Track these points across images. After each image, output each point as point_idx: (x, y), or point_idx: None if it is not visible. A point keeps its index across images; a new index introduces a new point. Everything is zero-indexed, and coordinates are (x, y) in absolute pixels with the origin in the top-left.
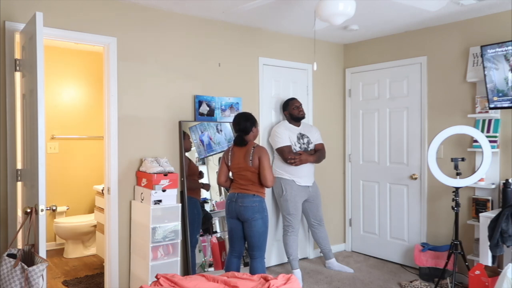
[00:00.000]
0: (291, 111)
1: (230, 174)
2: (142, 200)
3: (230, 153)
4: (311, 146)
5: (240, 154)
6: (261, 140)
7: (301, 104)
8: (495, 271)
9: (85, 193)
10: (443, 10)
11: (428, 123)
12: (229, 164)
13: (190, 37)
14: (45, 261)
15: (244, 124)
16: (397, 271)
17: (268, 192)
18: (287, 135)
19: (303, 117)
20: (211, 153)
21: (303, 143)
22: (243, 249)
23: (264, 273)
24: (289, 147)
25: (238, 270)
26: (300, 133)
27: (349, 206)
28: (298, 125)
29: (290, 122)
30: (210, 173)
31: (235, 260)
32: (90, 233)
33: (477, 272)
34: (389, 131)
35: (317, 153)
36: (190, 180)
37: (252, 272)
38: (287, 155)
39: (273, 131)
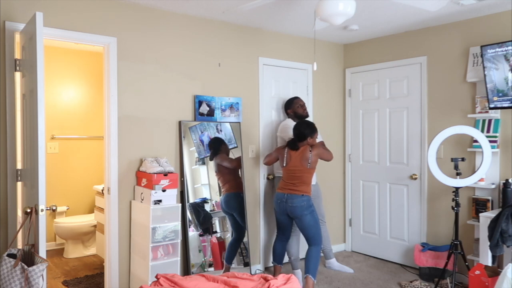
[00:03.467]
0: (296, 109)
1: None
2: (142, 200)
3: (286, 155)
4: None
5: (296, 157)
6: (261, 140)
7: (305, 103)
8: (495, 271)
9: (85, 193)
10: (443, 10)
11: (428, 123)
12: (284, 165)
13: (190, 37)
14: (45, 261)
15: (303, 131)
16: (397, 271)
17: (267, 192)
18: None
19: (307, 116)
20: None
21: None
22: (290, 234)
23: (316, 259)
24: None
25: (284, 253)
26: None
27: (349, 206)
28: None
29: (294, 121)
30: (210, 173)
31: (283, 244)
32: (90, 233)
33: (477, 272)
34: (389, 131)
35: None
36: (231, 176)
37: (306, 256)
38: None
39: (283, 124)
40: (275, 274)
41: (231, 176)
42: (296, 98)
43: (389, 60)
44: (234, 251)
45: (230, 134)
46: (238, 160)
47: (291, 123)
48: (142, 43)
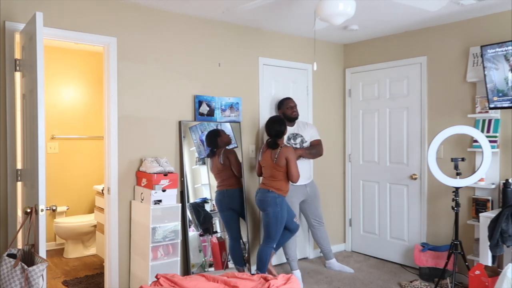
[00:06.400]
0: (285, 111)
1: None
2: (142, 200)
3: (261, 151)
4: (306, 145)
5: (267, 153)
6: (261, 140)
7: (296, 105)
8: (495, 271)
9: (85, 193)
10: (443, 10)
11: (428, 123)
12: (259, 159)
13: (190, 37)
14: (45, 261)
15: (279, 128)
16: (397, 271)
17: None
18: None
19: (296, 118)
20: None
21: (294, 144)
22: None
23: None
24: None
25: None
26: (293, 134)
27: (349, 206)
28: (292, 125)
29: None
30: (210, 173)
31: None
32: (90, 233)
33: (477, 272)
34: (389, 131)
35: (310, 148)
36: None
37: (258, 253)
38: None
39: None
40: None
41: (229, 173)
42: (287, 99)
43: (389, 60)
44: (240, 251)
45: (230, 134)
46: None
47: None
48: (142, 43)
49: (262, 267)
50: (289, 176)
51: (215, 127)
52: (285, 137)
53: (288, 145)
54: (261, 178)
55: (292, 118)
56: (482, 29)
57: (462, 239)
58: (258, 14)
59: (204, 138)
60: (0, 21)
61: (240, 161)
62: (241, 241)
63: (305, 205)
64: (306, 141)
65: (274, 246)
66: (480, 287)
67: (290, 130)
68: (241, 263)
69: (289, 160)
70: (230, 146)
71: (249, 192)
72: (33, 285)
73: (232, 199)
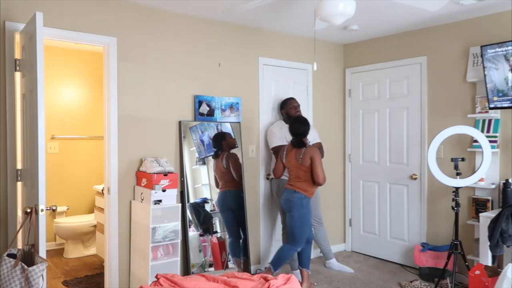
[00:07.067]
0: (288, 110)
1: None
2: (142, 200)
3: (284, 152)
4: None
5: (292, 153)
6: (261, 140)
7: (299, 105)
8: (495, 271)
9: (85, 193)
10: (443, 10)
11: (428, 123)
12: (283, 161)
13: (190, 37)
14: (45, 261)
15: (304, 127)
16: (397, 271)
17: (267, 192)
18: (282, 134)
19: None
20: (211, 153)
21: None
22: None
23: (284, 257)
24: (282, 146)
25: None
26: None
27: (349, 206)
28: None
29: (286, 122)
30: (210, 173)
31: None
32: (90, 233)
33: (477, 272)
34: (389, 131)
35: None
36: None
37: (278, 250)
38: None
39: (269, 130)
40: (302, 279)
41: (231, 175)
42: (290, 99)
43: (389, 60)
44: (237, 247)
45: (231, 135)
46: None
47: (276, 128)
48: (142, 43)
49: (277, 264)
50: (314, 176)
51: (215, 127)
52: (290, 137)
53: (311, 145)
54: (276, 179)
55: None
56: (482, 29)
57: (462, 239)
58: (258, 14)
59: (204, 138)
60: (0, 21)
61: (241, 162)
62: (240, 239)
63: None
64: (309, 142)
65: (299, 249)
66: (480, 287)
67: None
68: (238, 254)
69: (314, 159)
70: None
71: (249, 193)
72: (33, 285)
73: (233, 199)
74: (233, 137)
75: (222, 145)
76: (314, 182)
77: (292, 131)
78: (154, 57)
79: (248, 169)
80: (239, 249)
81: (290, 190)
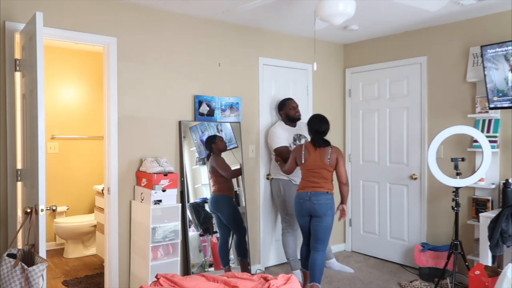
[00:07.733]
0: (288, 111)
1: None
2: (142, 200)
3: (303, 152)
4: None
5: (316, 153)
6: (261, 140)
7: (298, 105)
8: (495, 271)
9: (85, 193)
10: (443, 10)
11: (428, 123)
12: (302, 162)
13: (190, 37)
14: (45, 261)
15: (326, 126)
16: (397, 271)
17: (267, 192)
18: (285, 136)
19: (299, 119)
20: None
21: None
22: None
23: (323, 265)
24: (286, 147)
25: (308, 257)
26: (297, 134)
27: (349, 206)
28: (294, 126)
29: (286, 123)
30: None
31: (307, 247)
32: (90, 233)
33: (477, 272)
34: (389, 131)
35: None
36: (223, 179)
37: (313, 263)
38: (286, 155)
39: (270, 131)
40: (304, 281)
41: (223, 178)
42: (289, 99)
43: (389, 60)
44: (226, 253)
45: (230, 134)
46: (236, 172)
47: (277, 129)
48: (142, 43)
49: (321, 276)
50: (339, 177)
51: (215, 127)
52: (292, 137)
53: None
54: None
55: (295, 119)
56: (482, 29)
57: (462, 239)
58: (258, 14)
59: (204, 138)
60: (0, 21)
61: (240, 162)
62: (228, 241)
63: None
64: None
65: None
66: (480, 287)
67: (294, 130)
68: (227, 261)
69: (340, 159)
70: (230, 147)
71: (249, 193)
72: (33, 285)
73: (216, 204)
74: (224, 140)
75: (212, 147)
76: (339, 182)
77: (313, 129)
78: (154, 57)
79: (248, 169)
80: (228, 255)
81: (320, 193)
